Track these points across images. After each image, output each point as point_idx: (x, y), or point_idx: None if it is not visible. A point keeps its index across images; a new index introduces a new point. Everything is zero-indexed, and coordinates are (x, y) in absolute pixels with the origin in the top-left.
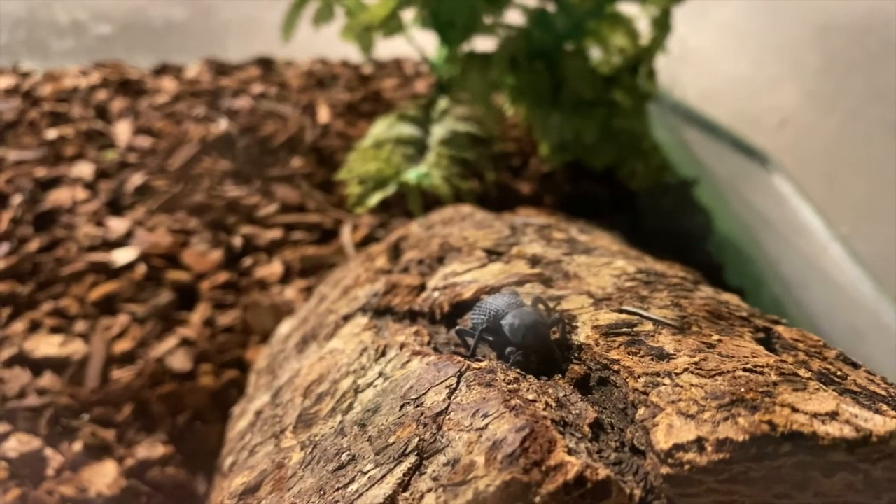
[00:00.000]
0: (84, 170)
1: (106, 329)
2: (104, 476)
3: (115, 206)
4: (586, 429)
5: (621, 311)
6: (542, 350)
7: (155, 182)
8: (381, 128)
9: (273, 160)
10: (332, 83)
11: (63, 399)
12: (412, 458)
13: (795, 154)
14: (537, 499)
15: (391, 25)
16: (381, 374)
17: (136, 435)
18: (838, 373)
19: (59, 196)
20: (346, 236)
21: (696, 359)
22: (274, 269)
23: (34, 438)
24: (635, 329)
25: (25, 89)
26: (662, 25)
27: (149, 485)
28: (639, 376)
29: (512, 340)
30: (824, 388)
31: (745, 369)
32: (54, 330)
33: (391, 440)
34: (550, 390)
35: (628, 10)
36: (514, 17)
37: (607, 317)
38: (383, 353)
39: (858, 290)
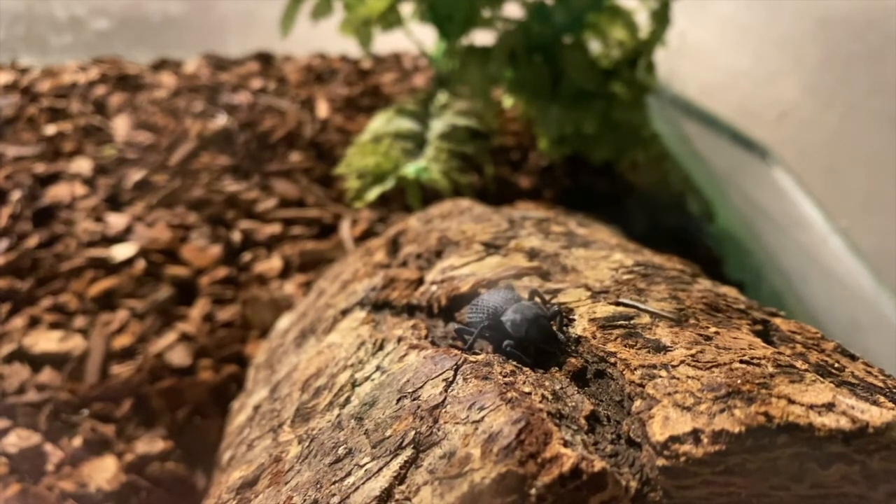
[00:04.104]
0: (83, 165)
1: (105, 324)
2: (104, 471)
3: (114, 202)
4: (582, 421)
5: (618, 304)
6: (545, 342)
7: (154, 177)
8: (380, 122)
9: (272, 155)
10: (331, 78)
11: (63, 394)
12: (408, 452)
13: (795, 147)
14: (533, 491)
15: (390, 19)
16: (378, 368)
17: (136, 430)
18: (836, 365)
19: (58, 192)
20: (345, 231)
21: (693, 351)
22: (273, 263)
23: (34, 434)
24: (632, 321)
25: (24, 85)
26: (662, 18)
27: (148, 480)
28: (635, 368)
29: (514, 335)
30: (821, 379)
31: (741, 361)
32: (53, 325)
33: (388, 433)
34: (547, 383)
35: (627, 3)
36: (512, 10)
37: (604, 309)
38: (381, 347)
39: (858, 282)
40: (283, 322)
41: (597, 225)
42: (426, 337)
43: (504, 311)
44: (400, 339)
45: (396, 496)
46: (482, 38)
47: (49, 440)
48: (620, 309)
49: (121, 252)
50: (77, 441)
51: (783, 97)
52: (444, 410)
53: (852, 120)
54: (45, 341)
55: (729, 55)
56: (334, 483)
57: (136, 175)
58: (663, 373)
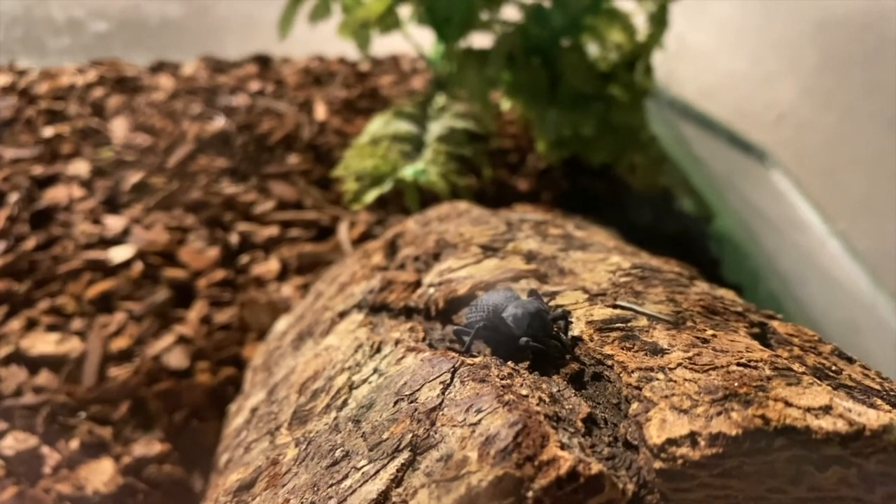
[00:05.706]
0: (80, 168)
1: (103, 327)
2: (101, 474)
3: (112, 204)
4: (579, 424)
5: (616, 307)
6: (547, 336)
7: (152, 179)
8: (378, 124)
9: (270, 157)
10: (329, 80)
11: (60, 397)
12: (405, 454)
13: (793, 150)
14: (530, 493)
15: (388, 22)
16: (375, 371)
17: (133, 432)
18: (833, 367)
19: (56, 194)
20: (343, 233)
21: (690, 354)
22: (271, 266)
23: (31, 436)
24: (629, 324)
25: (22, 87)
26: (660, 21)
27: (145, 482)
28: (632, 371)
29: (516, 331)
30: (818, 382)
31: (738, 364)
32: (51, 328)
33: (385, 436)
34: (544, 385)
35: (625, 5)
36: (510, 12)
37: (602, 312)
38: (378, 350)
39: (856, 285)
40: (281, 324)
41: (594, 227)
42: (423, 339)
43: (505, 307)
44: (397, 342)
45: (393, 499)
46: (480, 40)
47: (46, 442)
48: (618, 311)
49: (118, 254)
50: (74, 443)
51: (781, 99)
52: (441, 413)
53: (850, 122)
54: (43, 343)
55: (727, 58)
56: (331, 486)
57: (133, 177)
58: (660, 375)
